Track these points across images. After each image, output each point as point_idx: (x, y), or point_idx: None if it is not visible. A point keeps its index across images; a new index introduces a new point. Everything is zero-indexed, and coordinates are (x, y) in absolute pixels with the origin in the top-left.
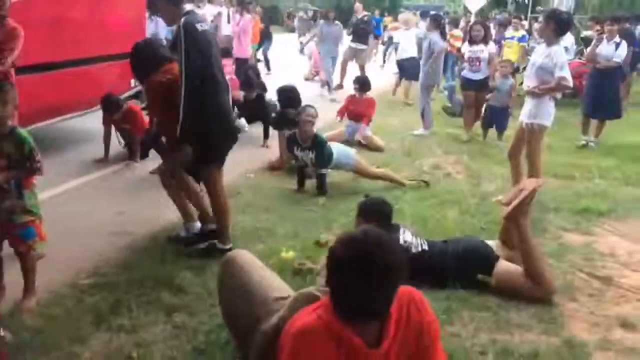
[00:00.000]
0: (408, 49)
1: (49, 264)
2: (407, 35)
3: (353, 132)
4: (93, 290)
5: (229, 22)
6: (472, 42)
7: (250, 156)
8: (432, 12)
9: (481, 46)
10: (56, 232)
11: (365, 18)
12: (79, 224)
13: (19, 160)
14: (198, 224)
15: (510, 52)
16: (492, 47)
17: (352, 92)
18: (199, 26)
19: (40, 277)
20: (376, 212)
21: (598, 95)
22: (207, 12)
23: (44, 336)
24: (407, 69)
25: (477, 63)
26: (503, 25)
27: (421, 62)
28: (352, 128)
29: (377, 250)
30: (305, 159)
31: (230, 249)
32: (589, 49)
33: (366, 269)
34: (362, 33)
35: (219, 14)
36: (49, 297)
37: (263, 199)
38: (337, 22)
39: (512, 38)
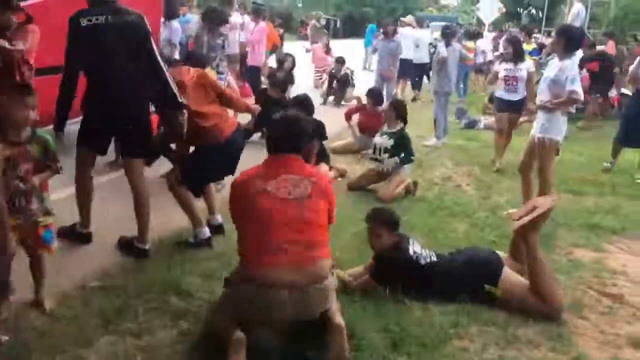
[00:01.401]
0: (405, 50)
1: (58, 266)
2: (408, 37)
3: (365, 143)
4: (101, 293)
5: (242, 29)
6: (505, 60)
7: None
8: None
9: (514, 64)
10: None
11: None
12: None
13: (45, 161)
14: (207, 230)
15: None
16: (529, 64)
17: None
18: (83, 21)
19: (49, 279)
20: (387, 218)
21: (637, 121)
22: (236, 20)
23: (49, 338)
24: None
25: (514, 82)
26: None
27: (431, 71)
28: (364, 141)
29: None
30: (380, 144)
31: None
32: (631, 67)
33: (290, 117)
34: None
35: (243, 23)
36: (57, 299)
37: None
38: (394, 38)
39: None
